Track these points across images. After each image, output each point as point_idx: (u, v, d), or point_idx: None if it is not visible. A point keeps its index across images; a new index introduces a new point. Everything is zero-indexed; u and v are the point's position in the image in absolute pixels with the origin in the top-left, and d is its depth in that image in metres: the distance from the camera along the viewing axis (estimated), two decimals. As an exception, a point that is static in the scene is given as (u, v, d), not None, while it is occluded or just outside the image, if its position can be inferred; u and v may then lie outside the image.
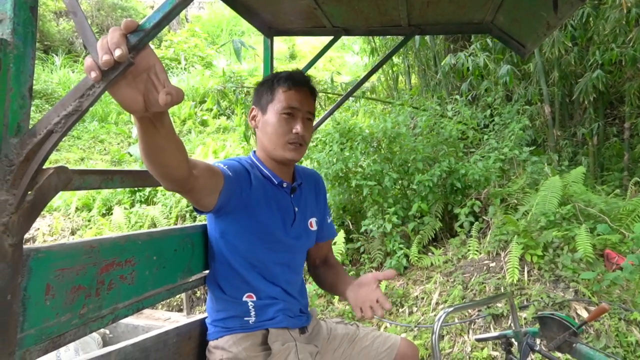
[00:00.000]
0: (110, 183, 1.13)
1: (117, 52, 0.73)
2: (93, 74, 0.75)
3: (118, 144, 8.69)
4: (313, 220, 1.63)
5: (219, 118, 9.22)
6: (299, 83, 1.46)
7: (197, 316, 1.57)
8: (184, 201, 5.76)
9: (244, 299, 1.45)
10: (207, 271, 1.54)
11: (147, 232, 1.26)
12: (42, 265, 0.91)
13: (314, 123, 1.67)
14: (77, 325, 1.01)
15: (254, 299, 1.45)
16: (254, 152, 1.56)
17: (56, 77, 10.35)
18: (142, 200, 6.28)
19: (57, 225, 6.20)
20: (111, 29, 0.76)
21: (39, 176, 0.81)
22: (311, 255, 1.73)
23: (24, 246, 0.86)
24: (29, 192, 0.81)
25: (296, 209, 1.53)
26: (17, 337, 0.85)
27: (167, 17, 0.77)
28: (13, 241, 0.80)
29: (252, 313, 1.44)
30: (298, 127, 1.42)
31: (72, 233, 6.12)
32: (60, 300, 0.96)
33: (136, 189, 6.34)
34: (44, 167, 0.81)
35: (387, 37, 7.12)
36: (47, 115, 0.79)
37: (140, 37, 0.76)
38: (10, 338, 0.83)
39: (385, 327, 3.55)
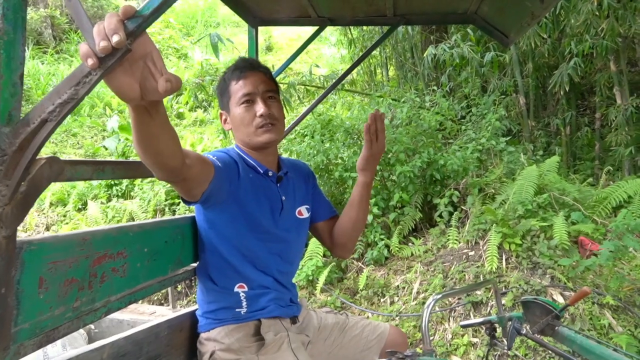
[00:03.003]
0: (102, 174, 1.11)
1: (115, 38, 0.71)
2: (90, 61, 0.73)
3: (91, 137, 8.49)
4: (303, 209, 1.62)
5: (195, 111, 9.10)
6: (246, 69, 1.46)
7: (187, 308, 1.56)
8: (162, 194, 5.68)
9: (236, 289, 1.44)
10: (196, 263, 1.53)
11: (138, 223, 1.25)
12: (35, 257, 0.89)
13: (298, 114, 1.66)
14: (71, 319, 0.99)
15: (246, 289, 1.45)
16: (237, 145, 1.55)
17: (25, 68, 10.02)
18: (120, 194, 6.17)
19: (31, 221, 6.04)
20: (108, 15, 0.74)
21: (32, 167, 0.79)
22: (327, 235, 1.70)
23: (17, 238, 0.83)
24: (22, 183, 0.79)
25: (283, 198, 1.53)
26: (12, 332, 0.84)
27: (166, 3, 0.75)
28: (7, 233, 0.78)
29: (244, 304, 1.44)
30: (259, 109, 1.42)
31: (47, 229, 5.97)
32: (53, 294, 0.94)
33: (113, 183, 6.22)
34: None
35: (365, 28, 7.13)
36: (41, 104, 0.77)
37: (138, 24, 0.75)
38: (5, 332, 0.82)
39: (368, 316, 3.59)
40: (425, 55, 5.59)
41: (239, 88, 1.44)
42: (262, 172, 1.49)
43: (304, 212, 1.62)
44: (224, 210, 1.40)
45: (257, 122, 1.43)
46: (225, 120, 1.53)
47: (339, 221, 1.68)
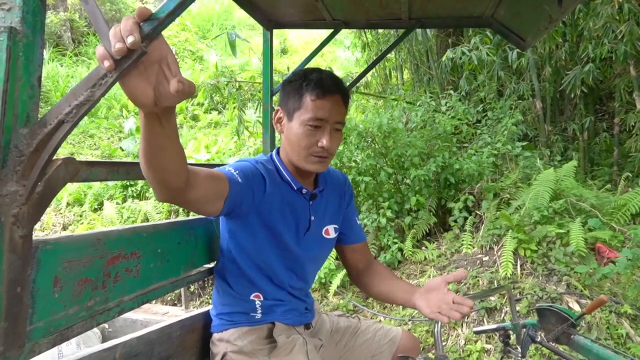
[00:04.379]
0: (116, 175, 1.12)
1: (130, 39, 0.71)
2: (106, 63, 0.73)
3: (108, 138, 8.60)
4: (331, 228, 1.56)
5: (210, 113, 9.17)
6: (330, 91, 1.34)
7: (200, 309, 1.57)
8: (176, 196, 5.73)
9: (251, 297, 1.44)
10: (209, 265, 1.54)
11: (152, 224, 1.26)
12: (51, 257, 0.90)
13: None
14: (85, 318, 1.00)
15: (261, 298, 1.44)
16: (277, 150, 1.48)
17: (44, 71, 10.20)
18: (134, 195, 6.24)
19: (49, 220, 6.14)
20: (124, 18, 0.75)
21: (48, 167, 0.80)
22: (350, 262, 1.66)
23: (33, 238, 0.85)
24: (39, 183, 0.80)
25: (312, 218, 1.47)
26: (27, 330, 0.85)
27: (182, 6, 0.76)
28: (23, 232, 0.79)
29: (259, 310, 1.44)
30: (324, 141, 1.33)
31: (64, 228, 6.06)
32: (68, 293, 0.95)
33: (128, 183, 6.30)
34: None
35: (380, 32, 7.12)
36: (58, 105, 0.78)
37: (153, 26, 0.75)
38: (20, 330, 0.83)
39: (380, 320, 3.57)
40: (443, 59, 5.55)
41: (314, 107, 1.33)
42: (296, 188, 1.43)
43: (331, 231, 1.56)
44: (246, 223, 1.36)
45: (315, 150, 1.35)
46: (280, 120, 1.42)
47: (376, 283, 1.59)
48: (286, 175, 1.42)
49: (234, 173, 1.27)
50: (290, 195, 1.42)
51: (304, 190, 1.44)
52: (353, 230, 1.64)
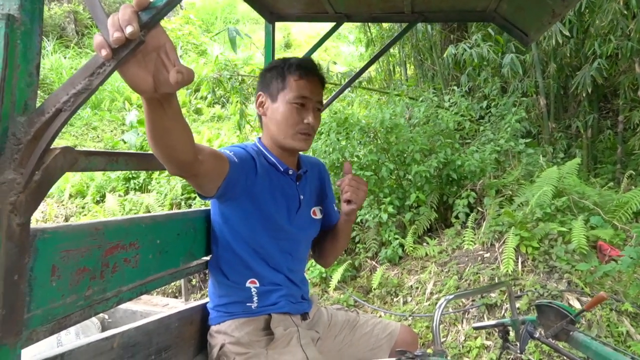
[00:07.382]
0: (115, 165, 1.12)
1: (129, 29, 0.71)
2: (104, 52, 0.73)
3: (111, 131, 8.62)
4: (317, 209, 1.62)
5: (213, 106, 9.17)
6: (311, 72, 1.45)
7: (198, 301, 1.58)
8: (178, 189, 5.74)
9: (247, 284, 1.45)
10: (208, 257, 1.54)
11: (150, 215, 1.25)
12: (48, 245, 0.91)
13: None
14: (83, 307, 1.00)
15: (257, 284, 1.45)
16: (259, 138, 1.54)
17: (48, 62, 10.20)
18: (137, 187, 6.25)
19: (51, 211, 6.17)
20: (122, 6, 0.74)
21: (46, 156, 0.80)
22: (315, 245, 1.73)
23: (30, 226, 0.85)
24: (36, 172, 0.80)
25: (301, 197, 1.53)
26: (24, 318, 0.85)
27: (180, -5, 0.75)
28: (21, 220, 0.79)
29: (255, 299, 1.45)
30: (310, 118, 1.41)
31: (66, 220, 6.09)
32: (65, 282, 0.95)
33: (130, 176, 6.31)
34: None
35: (384, 27, 7.09)
36: (56, 94, 0.77)
37: (152, 15, 0.75)
38: (17, 318, 0.83)
39: (380, 316, 3.58)
40: (445, 55, 5.52)
41: (298, 87, 1.42)
42: (282, 170, 1.48)
43: (317, 212, 1.62)
44: (239, 206, 1.40)
45: (301, 127, 1.42)
46: (263, 104, 1.49)
47: (323, 240, 1.69)
48: (272, 158, 1.48)
49: (230, 154, 1.32)
50: (277, 177, 1.48)
51: (290, 171, 1.50)
52: (333, 214, 1.70)
